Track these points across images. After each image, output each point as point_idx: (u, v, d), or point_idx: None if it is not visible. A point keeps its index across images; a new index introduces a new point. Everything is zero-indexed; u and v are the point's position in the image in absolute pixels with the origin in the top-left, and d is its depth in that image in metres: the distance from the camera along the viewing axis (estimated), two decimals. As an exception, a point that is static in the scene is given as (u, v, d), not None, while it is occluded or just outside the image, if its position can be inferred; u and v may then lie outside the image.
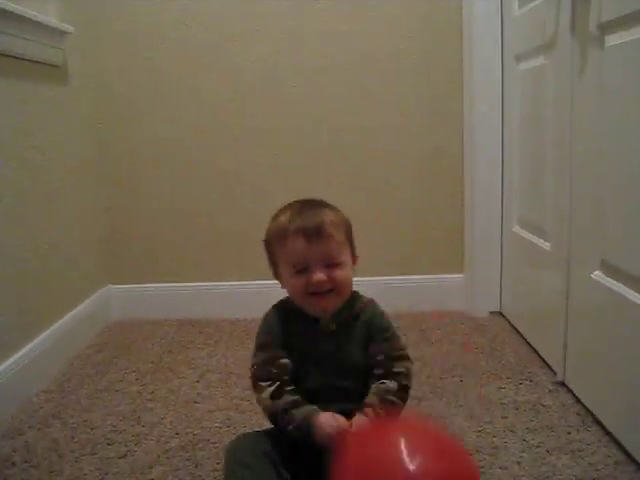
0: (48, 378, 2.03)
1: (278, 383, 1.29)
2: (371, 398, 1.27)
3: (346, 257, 1.30)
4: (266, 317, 1.38)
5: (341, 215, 1.33)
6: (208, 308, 2.62)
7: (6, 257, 1.86)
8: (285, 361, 1.29)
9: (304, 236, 1.25)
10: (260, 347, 1.34)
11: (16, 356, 1.88)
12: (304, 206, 1.31)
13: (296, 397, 1.26)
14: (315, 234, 1.25)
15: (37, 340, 2.01)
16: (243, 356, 2.17)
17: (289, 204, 1.34)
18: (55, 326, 2.14)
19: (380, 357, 1.30)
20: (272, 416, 1.29)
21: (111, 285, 2.66)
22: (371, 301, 1.38)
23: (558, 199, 1.88)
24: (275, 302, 1.37)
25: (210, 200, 2.61)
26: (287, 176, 2.56)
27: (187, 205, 2.62)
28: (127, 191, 2.62)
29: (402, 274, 2.55)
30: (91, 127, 2.52)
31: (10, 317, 1.87)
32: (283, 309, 1.35)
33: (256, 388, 1.32)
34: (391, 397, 1.30)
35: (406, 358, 1.34)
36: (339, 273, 1.27)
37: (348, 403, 1.25)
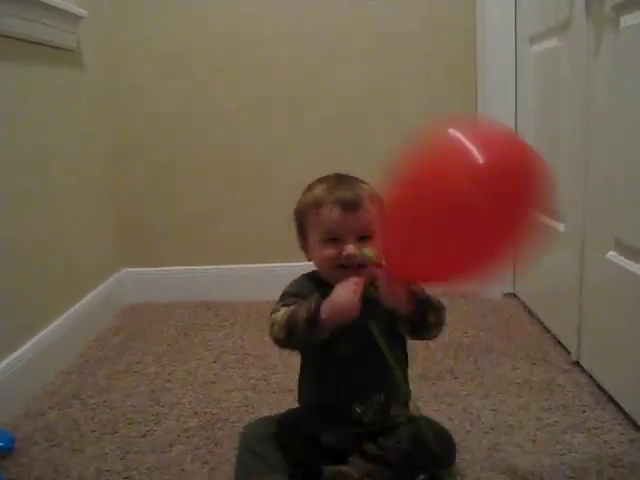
0: (67, 360, 2.06)
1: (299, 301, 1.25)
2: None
3: (378, 231, 1.28)
4: (293, 281, 1.36)
5: (374, 190, 1.31)
6: (223, 290, 2.64)
7: (23, 241, 1.88)
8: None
9: (341, 205, 1.24)
10: (282, 297, 1.32)
11: (35, 338, 1.90)
12: (341, 178, 1.32)
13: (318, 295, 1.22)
14: (352, 204, 1.25)
15: (55, 323, 2.03)
16: (259, 337, 2.19)
17: (323, 177, 1.34)
18: (73, 309, 2.17)
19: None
20: (288, 326, 1.23)
21: (127, 268, 2.69)
22: None
23: (572, 181, 1.88)
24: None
25: (224, 182, 2.63)
26: (302, 160, 2.57)
27: (201, 188, 2.63)
28: (141, 174, 2.64)
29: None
30: (105, 111, 2.54)
31: (28, 300, 1.90)
32: (310, 277, 1.34)
33: (277, 324, 1.25)
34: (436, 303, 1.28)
35: (442, 307, 1.30)
36: (370, 246, 1.25)
37: (383, 368, 1.24)
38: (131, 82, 2.57)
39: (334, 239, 1.25)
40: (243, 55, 2.55)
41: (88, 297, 2.30)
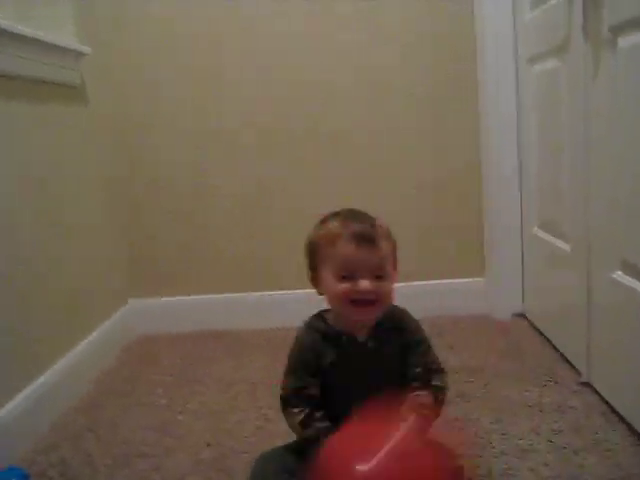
0: (78, 394, 2.06)
1: (308, 411, 1.28)
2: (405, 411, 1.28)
3: (391, 270, 1.29)
4: (298, 339, 1.36)
5: (389, 228, 1.32)
6: (228, 319, 2.64)
7: (29, 277, 1.90)
8: (314, 392, 1.29)
9: (357, 241, 1.23)
10: (291, 371, 1.35)
11: (47, 373, 1.91)
12: (355, 213, 1.31)
13: (326, 424, 1.26)
14: (368, 241, 1.24)
15: (65, 359, 2.04)
16: (267, 366, 2.19)
17: (334, 212, 1.33)
18: (84, 342, 2.18)
19: (418, 369, 1.31)
20: (305, 442, 1.28)
21: (132, 299, 2.70)
22: (405, 312, 1.37)
23: (576, 201, 1.89)
24: (306, 318, 1.37)
25: (229, 213, 2.65)
26: (307, 190, 2.59)
27: (206, 218, 2.66)
28: (146, 208, 2.66)
29: (422, 280, 2.58)
30: (111, 145, 2.56)
31: (36, 336, 1.90)
32: (315, 328, 1.33)
33: (286, 412, 1.33)
34: (426, 412, 1.31)
35: (443, 371, 1.35)
36: (385, 285, 1.26)
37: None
38: (135, 115, 2.60)
39: (349, 275, 1.24)
40: (252, 84, 2.57)
41: (97, 331, 2.31)
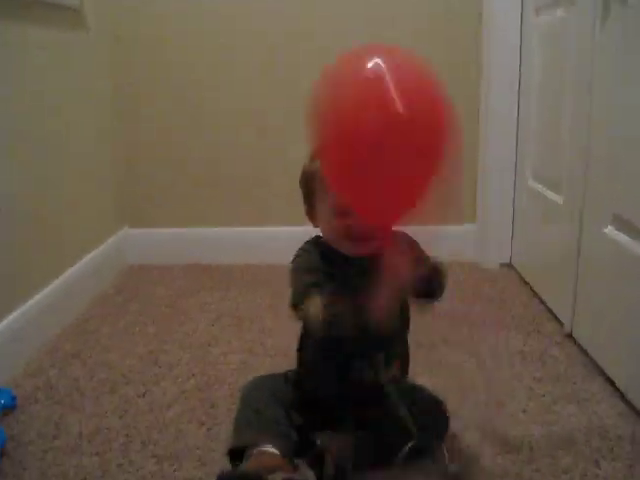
0: (67, 319, 2.08)
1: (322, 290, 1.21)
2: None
3: None
4: (302, 250, 1.32)
5: None
6: (220, 253, 2.66)
7: (25, 199, 1.89)
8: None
9: None
10: (298, 276, 1.27)
11: (37, 297, 1.93)
12: None
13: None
14: None
15: (57, 282, 2.05)
16: (255, 301, 2.23)
17: None
18: (74, 268, 2.18)
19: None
20: (328, 327, 1.18)
21: (128, 228, 2.70)
22: (404, 233, 1.32)
23: (574, 154, 1.89)
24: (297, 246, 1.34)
25: (224, 146, 2.63)
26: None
27: (202, 151, 2.64)
28: (143, 136, 2.64)
29: (414, 223, 2.56)
30: (108, 70, 2.53)
31: (29, 258, 1.91)
32: (317, 244, 1.31)
33: (302, 308, 1.20)
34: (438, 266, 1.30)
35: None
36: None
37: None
38: (134, 40, 2.56)
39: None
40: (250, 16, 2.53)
41: (89, 256, 2.32)
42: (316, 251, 1.30)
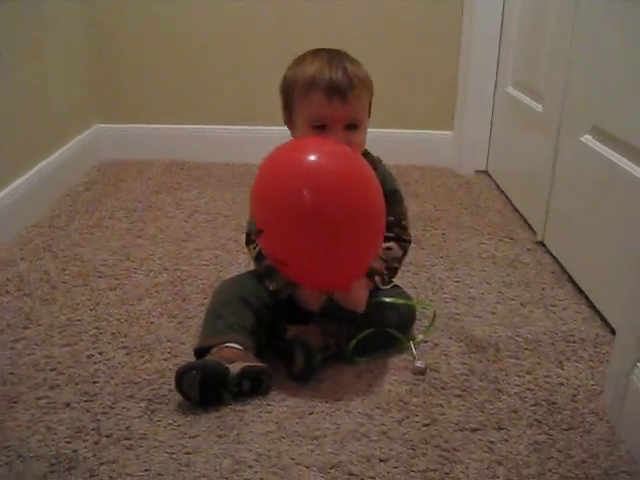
0: (38, 213, 2.05)
1: (259, 247, 1.34)
2: (378, 262, 1.34)
3: (365, 119, 1.29)
4: None
5: (367, 74, 1.30)
6: (197, 151, 2.62)
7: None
8: None
9: (332, 94, 1.23)
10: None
11: (7, 190, 1.89)
12: (333, 59, 1.27)
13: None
14: (343, 94, 1.23)
15: (26, 176, 2.01)
16: (231, 199, 2.22)
17: (315, 52, 1.30)
18: (44, 162, 2.15)
19: (390, 219, 1.32)
20: (258, 274, 1.36)
21: (100, 124, 2.64)
22: (379, 160, 1.39)
23: (555, 62, 1.86)
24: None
25: (202, 41, 2.55)
26: (285, 20, 2.50)
27: (179, 45, 2.56)
28: (117, 28, 2.55)
29: (392, 127, 2.55)
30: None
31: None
32: None
33: (247, 247, 1.41)
34: (396, 264, 1.36)
35: (408, 227, 1.42)
36: (357, 137, 1.27)
37: None
38: None
39: (321, 125, 1.25)
40: None
41: (60, 151, 2.28)
42: None
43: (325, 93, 1.23)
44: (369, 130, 1.33)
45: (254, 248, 1.37)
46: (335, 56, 1.28)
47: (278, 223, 1.17)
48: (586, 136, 1.65)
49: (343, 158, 1.18)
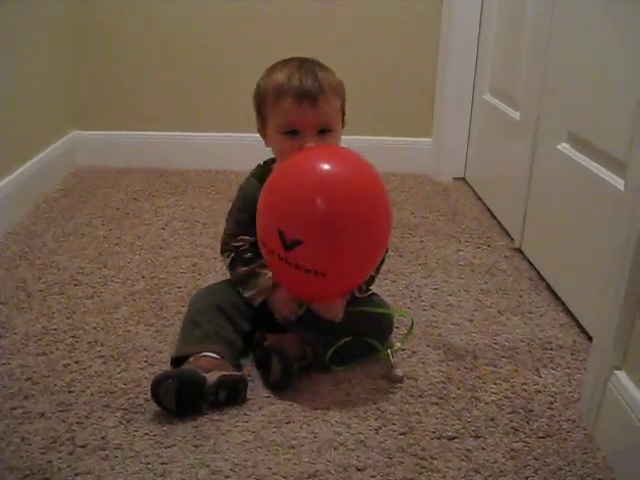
0: (14, 221, 2.03)
1: (233, 255, 1.37)
2: None
3: (338, 124, 1.30)
4: (242, 189, 1.40)
5: (339, 80, 1.31)
6: (175, 158, 2.61)
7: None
8: (247, 238, 1.35)
9: (302, 99, 1.24)
10: (229, 218, 1.42)
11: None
12: (303, 66, 1.28)
13: (249, 267, 1.34)
14: (313, 98, 1.24)
15: (3, 182, 1.99)
16: (209, 206, 2.21)
17: (286, 60, 1.32)
18: (20, 169, 2.12)
19: None
20: (234, 282, 1.38)
21: (77, 130, 2.63)
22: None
23: (532, 69, 1.88)
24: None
25: (181, 47, 2.55)
26: (266, 29, 2.50)
27: (158, 52, 2.55)
28: (95, 33, 2.53)
29: (370, 135, 2.56)
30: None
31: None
32: (259, 178, 1.34)
33: (222, 254, 1.43)
34: (373, 273, 1.37)
35: None
36: (329, 140, 1.27)
37: None
38: None
39: (293, 131, 1.26)
40: None
41: (37, 158, 2.25)
42: (254, 190, 1.30)
43: (295, 98, 1.24)
44: (347, 137, 1.34)
45: (228, 257, 1.38)
46: (305, 63, 1.30)
47: (320, 232, 1.16)
48: (563, 144, 1.66)
49: (363, 164, 1.24)
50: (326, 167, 1.19)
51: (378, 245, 1.24)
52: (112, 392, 1.24)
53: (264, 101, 1.31)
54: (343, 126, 1.34)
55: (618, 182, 1.36)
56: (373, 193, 1.21)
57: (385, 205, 1.23)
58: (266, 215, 1.22)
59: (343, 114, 1.33)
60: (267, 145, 1.35)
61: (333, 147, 1.27)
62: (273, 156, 1.36)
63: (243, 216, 1.34)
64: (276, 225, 1.18)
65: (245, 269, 1.35)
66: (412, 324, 1.41)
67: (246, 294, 1.34)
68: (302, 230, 1.16)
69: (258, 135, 1.38)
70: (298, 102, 1.24)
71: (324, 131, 1.27)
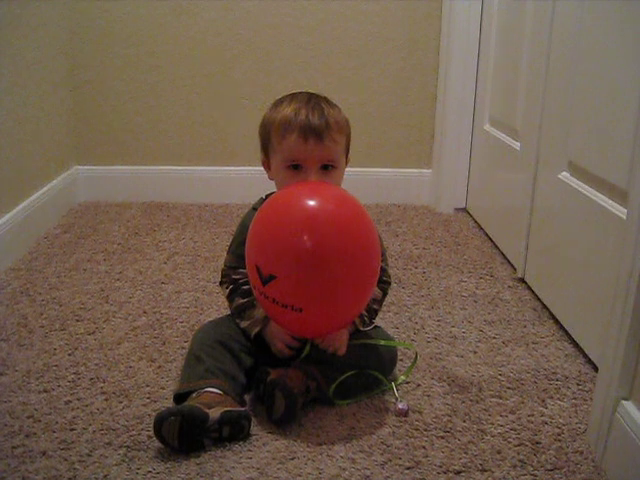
0: (15, 256, 2.03)
1: (232, 286, 1.38)
2: None
3: (342, 161, 1.31)
4: (243, 222, 1.40)
5: (345, 117, 1.32)
6: (176, 192, 2.62)
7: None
8: (246, 271, 1.32)
9: (307, 134, 1.24)
10: (230, 250, 1.42)
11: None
12: (310, 101, 1.29)
13: (246, 299, 1.35)
14: (319, 134, 1.25)
15: (4, 219, 1.99)
16: (210, 240, 2.21)
17: (294, 94, 1.33)
18: (22, 205, 2.12)
19: None
20: (233, 316, 1.39)
21: (78, 166, 2.63)
22: None
23: (531, 99, 1.89)
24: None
25: (182, 83, 2.56)
26: (264, 64, 2.51)
27: (158, 87, 2.57)
28: (96, 69, 2.55)
29: (371, 166, 2.57)
30: (63, 6, 2.44)
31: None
32: None
33: (221, 285, 1.44)
34: (376, 306, 1.35)
35: (387, 268, 1.41)
36: (333, 176, 1.28)
37: None
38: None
39: (296, 165, 1.27)
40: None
41: (38, 194, 2.25)
42: None
43: (301, 134, 1.25)
44: (348, 169, 1.35)
45: (227, 288, 1.39)
46: (312, 98, 1.31)
47: (293, 267, 1.16)
48: (564, 173, 1.66)
49: (346, 200, 1.22)
50: (302, 203, 1.19)
51: (359, 281, 1.20)
52: (114, 429, 1.23)
53: (270, 134, 1.31)
54: (347, 163, 1.34)
55: (620, 210, 1.36)
56: (351, 228, 1.19)
57: (364, 240, 1.20)
58: (247, 249, 1.24)
59: (347, 151, 1.34)
60: (270, 178, 1.36)
61: (318, 183, 1.26)
62: (275, 189, 1.36)
63: (243, 249, 1.34)
64: (254, 259, 1.20)
65: (243, 300, 1.36)
66: (416, 356, 1.40)
67: (242, 324, 1.34)
68: (275, 265, 1.17)
69: (259, 168, 1.39)
70: (304, 137, 1.25)
71: (327, 167, 1.27)
